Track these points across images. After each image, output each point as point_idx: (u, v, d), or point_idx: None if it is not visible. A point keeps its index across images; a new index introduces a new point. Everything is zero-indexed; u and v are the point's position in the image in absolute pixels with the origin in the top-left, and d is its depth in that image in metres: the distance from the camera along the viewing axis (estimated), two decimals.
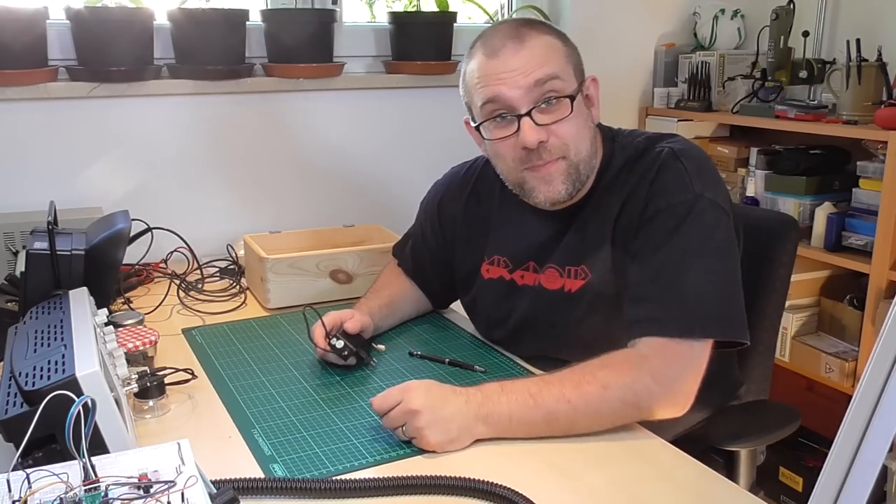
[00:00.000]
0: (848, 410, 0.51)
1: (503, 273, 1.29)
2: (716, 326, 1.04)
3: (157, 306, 1.50)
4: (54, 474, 0.66)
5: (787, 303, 2.10)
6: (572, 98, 1.13)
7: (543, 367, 1.22)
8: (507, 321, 1.29)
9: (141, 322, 1.27)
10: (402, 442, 1.01)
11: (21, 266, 1.23)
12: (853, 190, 2.01)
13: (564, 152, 1.13)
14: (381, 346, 1.22)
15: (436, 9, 2.12)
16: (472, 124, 1.20)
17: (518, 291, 1.26)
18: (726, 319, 1.05)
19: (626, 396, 1.00)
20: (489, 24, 2.25)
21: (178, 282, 1.62)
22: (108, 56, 1.74)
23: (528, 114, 1.11)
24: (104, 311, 1.11)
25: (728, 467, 1.32)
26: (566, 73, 1.14)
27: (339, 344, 1.16)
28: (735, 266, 1.09)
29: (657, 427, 1.05)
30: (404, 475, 0.90)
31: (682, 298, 1.04)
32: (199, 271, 1.68)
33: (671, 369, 1.02)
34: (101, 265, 1.29)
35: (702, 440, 1.26)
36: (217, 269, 1.75)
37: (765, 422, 1.35)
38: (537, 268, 1.24)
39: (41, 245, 1.22)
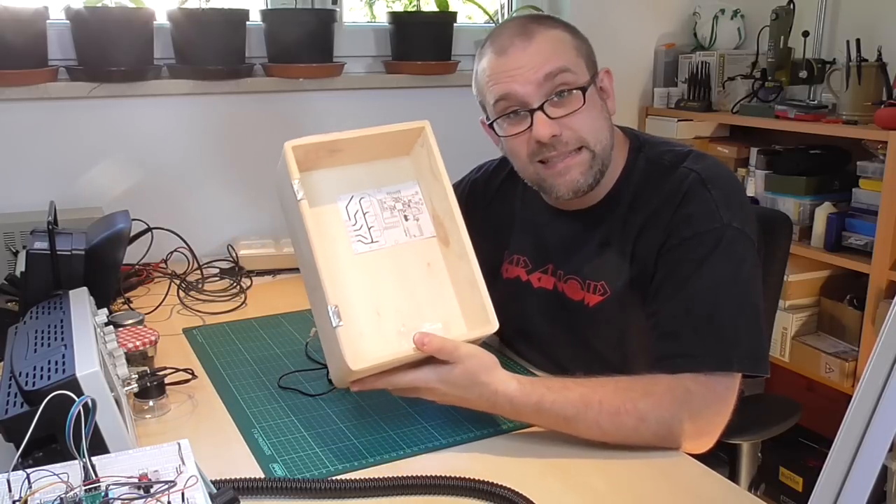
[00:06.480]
0: (848, 410, 0.51)
1: (521, 273, 1.28)
2: (749, 361, 1.02)
3: (157, 306, 1.50)
4: (54, 474, 0.66)
5: (787, 303, 2.12)
6: (584, 89, 1.11)
7: (551, 372, 1.19)
8: (513, 322, 1.24)
9: (141, 322, 1.27)
10: (401, 444, 1.01)
11: (21, 266, 1.23)
12: (853, 190, 2.01)
13: (582, 142, 1.11)
14: None
15: (436, 9, 2.12)
16: (487, 122, 1.20)
17: (532, 293, 1.26)
18: (757, 354, 1.03)
19: (659, 431, 0.97)
20: (489, 24, 2.26)
21: (178, 282, 1.62)
22: (108, 56, 1.74)
23: (541, 108, 1.10)
24: (104, 311, 1.11)
25: (730, 462, 1.31)
26: (576, 66, 1.12)
27: None
28: (760, 299, 1.07)
29: None
30: (404, 475, 0.90)
31: (718, 333, 1.02)
32: (199, 271, 1.68)
33: (711, 407, 0.99)
34: (101, 265, 1.29)
35: None
36: (217, 269, 1.75)
37: (766, 414, 1.35)
38: (557, 271, 1.23)
39: (41, 245, 1.22)
